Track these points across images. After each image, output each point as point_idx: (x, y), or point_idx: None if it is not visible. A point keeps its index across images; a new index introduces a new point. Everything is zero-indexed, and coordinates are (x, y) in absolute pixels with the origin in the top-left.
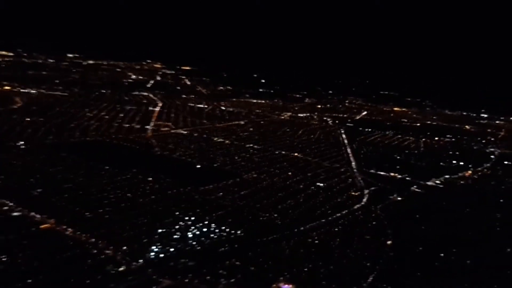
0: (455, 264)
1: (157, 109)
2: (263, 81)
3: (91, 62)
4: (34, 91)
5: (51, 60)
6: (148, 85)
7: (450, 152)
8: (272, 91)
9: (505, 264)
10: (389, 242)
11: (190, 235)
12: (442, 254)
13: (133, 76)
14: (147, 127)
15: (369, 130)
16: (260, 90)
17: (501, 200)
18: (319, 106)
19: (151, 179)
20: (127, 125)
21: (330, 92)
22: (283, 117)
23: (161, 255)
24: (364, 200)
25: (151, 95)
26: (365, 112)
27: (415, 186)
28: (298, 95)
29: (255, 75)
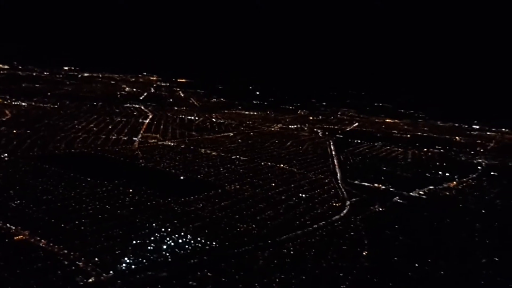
0: (429, 274)
1: (147, 121)
2: (258, 93)
3: (86, 74)
4: (24, 104)
5: (46, 73)
6: (141, 98)
7: (437, 163)
8: (265, 103)
9: (478, 274)
10: (365, 253)
11: (164, 246)
12: (416, 264)
13: (127, 89)
14: (135, 139)
15: (358, 141)
16: (254, 102)
17: (483, 211)
18: (311, 118)
19: (131, 190)
20: (114, 137)
21: (324, 104)
22: (273, 129)
23: (133, 267)
24: (345, 211)
25: (142, 107)
26: (356, 124)
27: (397, 197)
28: (291, 107)
29: (251, 87)
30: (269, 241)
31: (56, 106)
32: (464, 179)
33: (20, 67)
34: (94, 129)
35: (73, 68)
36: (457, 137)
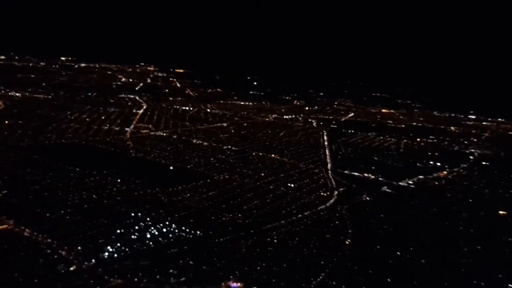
0: (409, 262)
1: (141, 111)
2: (255, 83)
3: (83, 65)
4: (18, 94)
5: (43, 63)
6: (137, 88)
7: (429, 153)
8: (262, 93)
9: (458, 263)
10: (347, 241)
11: (148, 235)
12: (398, 253)
13: (123, 79)
14: (127, 129)
15: (352, 131)
16: (251, 92)
17: (470, 200)
18: (307, 108)
19: (119, 180)
20: (106, 128)
21: (321, 94)
22: (267, 119)
23: (115, 255)
24: (332, 200)
25: (137, 98)
26: (352, 114)
27: (385, 187)
28: (287, 97)
29: (249, 78)
30: (253, 230)
31: (49, 97)
32: (455, 169)
33: (16, 57)
34: (87, 119)
35: (70, 58)
36: (452, 127)
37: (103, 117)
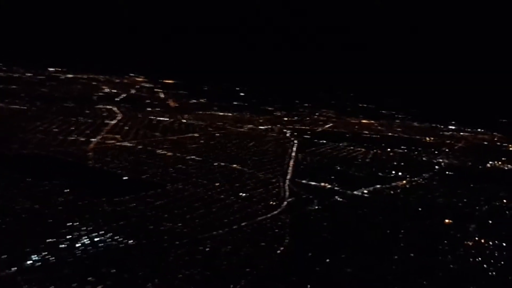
0: (335, 270)
1: (114, 122)
2: (242, 94)
3: (70, 76)
4: None
5: (29, 74)
6: (117, 99)
7: (395, 163)
8: (246, 104)
9: (384, 273)
10: (280, 249)
11: (78, 244)
12: (327, 260)
13: (106, 90)
14: (93, 139)
15: (324, 141)
16: (235, 103)
17: (419, 209)
18: (286, 119)
19: (67, 190)
20: (72, 138)
21: (306, 105)
22: (241, 130)
23: (37, 264)
24: (279, 209)
25: (114, 109)
26: (330, 124)
27: (338, 196)
28: (270, 108)
29: (238, 88)
30: (188, 239)
31: (25, 108)
32: (415, 178)
33: (4, 68)
34: (55, 130)
35: (59, 69)
36: (427, 138)
37: (72, 128)
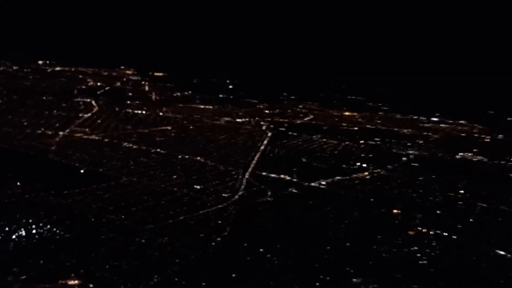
0: (267, 260)
1: (88, 115)
2: (231, 87)
3: (58, 68)
4: None
5: (15, 67)
6: (99, 92)
7: (362, 155)
8: (231, 96)
9: (314, 262)
10: (217, 240)
11: (13, 236)
12: (261, 250)
13: (91, 83)
14: (60, 133)
15: (298, 134)
16: (220, 95)
17: (371, 200)
18: (267, 111)
19: (18, 184)
20: (40, 132)
21: (292, 97)
22: (217, 122)
23: None
24: (229, 201)
25: (93, 102)
26: (310, 117)
27: (293, 188)
28: (254, 101)
29: (228, 81)
30: (127, 231)
31: (0, 101)
32: (378, 170)
33: None
34: (25, 123)
35: (47, 62)
36: (405, 130)
37: (42, 121)
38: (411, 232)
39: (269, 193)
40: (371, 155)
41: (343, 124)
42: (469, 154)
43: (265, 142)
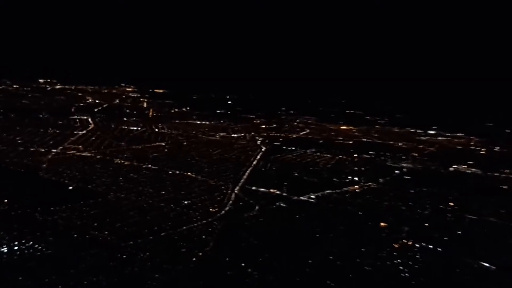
0: (244, 275)
1: (83, 132)
2: (230, 102)
3: (58, 87)
4: None
5: (16, 86)
6: (96, 109)
7: (355, 168)
8: (229, 112)
9: (294, 276)
10: (199, 255)
11: None
12: (242, 264)
13: (89, 101)
14: (53, 150)
15: (293, 148)
16: (218, 111)
17: (359, 213)
18: (263, 126)
19: (6, 201)
20: (33, 149)
21: (291, 112)
22: (213, 138)
23: None
24: (216, 216)
25: (89, 119)
26: (306, 131)
27: (281, 202)
28: (252, 116)
29: (228, 97)
30: (107, 248)
31: None
32: (369, 184)
33: None
34: (19, 141)
35: (48, 80)
36: (400, 143)
37: (36, 139)
38: (396, 245)
39: (257, 207)
40: (363, 169)
41: (339, 138)
42: (463, 166)
43: (258, 157)
